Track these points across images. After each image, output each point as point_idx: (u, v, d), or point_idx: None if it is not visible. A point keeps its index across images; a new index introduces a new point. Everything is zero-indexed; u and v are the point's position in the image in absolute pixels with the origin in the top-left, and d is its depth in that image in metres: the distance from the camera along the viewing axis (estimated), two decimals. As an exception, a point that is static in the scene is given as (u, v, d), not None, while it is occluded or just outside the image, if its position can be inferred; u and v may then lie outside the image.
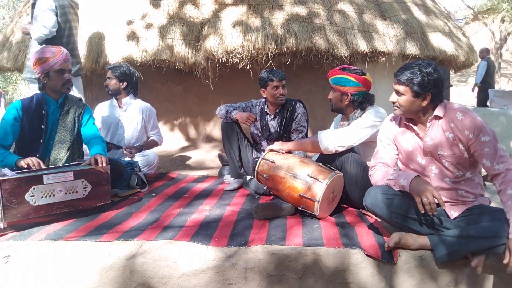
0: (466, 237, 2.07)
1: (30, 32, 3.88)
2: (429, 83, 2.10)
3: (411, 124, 2.29)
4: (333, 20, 4.94)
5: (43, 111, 3.00)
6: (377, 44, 4.91)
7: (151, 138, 4.11)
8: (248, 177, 3.48)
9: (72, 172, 2.60)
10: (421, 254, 2.18)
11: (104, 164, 2.74)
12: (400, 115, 2.30)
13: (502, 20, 19.80)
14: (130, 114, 3.94)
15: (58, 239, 2.25)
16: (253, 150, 3.72)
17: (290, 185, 2.70)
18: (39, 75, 2.98)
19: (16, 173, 2.48)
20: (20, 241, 2.24)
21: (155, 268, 2.07)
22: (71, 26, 4.01)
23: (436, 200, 2.01)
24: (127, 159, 3.64)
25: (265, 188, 3.04)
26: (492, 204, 2.33)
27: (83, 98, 3.76)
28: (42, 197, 2.47)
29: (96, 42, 4.99)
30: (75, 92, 3.92)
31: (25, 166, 2.63)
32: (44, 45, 3.60)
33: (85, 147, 3.27)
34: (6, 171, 2.49)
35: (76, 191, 2.63)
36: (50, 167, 2.78)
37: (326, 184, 2.56)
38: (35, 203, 2.44)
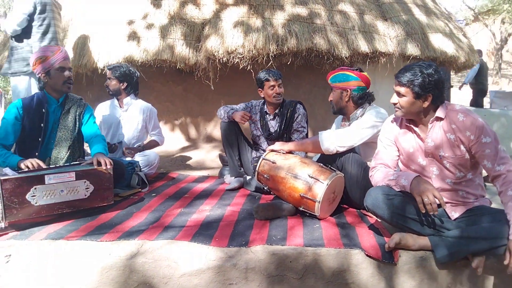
0: (466, 238, 2.08)
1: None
2: (430, 84, 2.10)
3: (412, 126, 2.29)
4: (334, 20, 4.94)
5: (43, 110, 3.00)
6: (378, 45, 4.91)
7: (152, 138, 4.11)
8: (248, 177, 3.50)
9: (74, 172, 2.60)
10: (422, 254, 2.19)
11: (108, 166, 2.73)
12: (401, 117, 2.30)
13: (503, 21, 19.81)
14: (131, 114, 3.94)
15: (59, 238, 2.25)
16: (253, 150, 3.75)
17: (290, 185, 2.70)
18: (40, 74, 2.98)
19: (17, 172, 2.49)
20: (21, 240, 2.25)
21: (155, 268, 2.08)
22: (49, 23, 4.02)
23: (437, 200, 2.01)
24: (128, 159, 3.65)
25: (265, 188, 3.05)
26: (493, 205, 2.33)
27: None
28: (44, 197, 2.47)
29: (97, 42, 4.99)
30: None
31: (25, 168, 2.63)
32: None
33: (86, 145, 3.27)
34: (8, 170, 2.49)
35: (78, 192, 2.62)
36: (51, 166, 2.78)
37: (327, 184, 2.56)
38: (36, 203, 2.44)
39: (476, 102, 9.65)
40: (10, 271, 2.09)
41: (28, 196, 2.41)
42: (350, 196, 2.84)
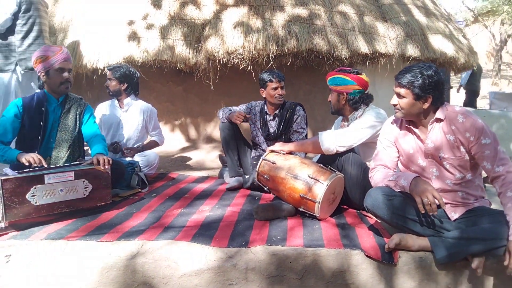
0: (466, 238, 2.08)
1: None
2: (430, 85, 2.11)
3: (412, 127, 2.29)
4: (334, 21, 4.95)
5: (43, 109, 3.00)
6: (378, 46, 4.92)
7: (152, 138, 4.11)
8: (247, 176, 3.51)
9: (73, 172, 2.61)
10: (421, 255, 2.19)
11: (106, 165, 2.74)
12: (401, 118, 2.31)
13: (502, 23, 19.82)
14: (131, 115, 3.94)
15: (59, 238, 2.25)
16: (252, 150, 3.77)
17: (290, 186, 2.70)
18: (40, 73, 2.99)
19: (17, 172, 2.49)
20: (21, 240, 2.25)
21: (156, 268, 2.08)
22: (34, 22, 3.96)
23: (436, 201, 2.02)
24: (128, 159, 3.65)
25: (265, 188, 3.05)
26: (492, 206, 2.33)
27: None
28: (43, 196, 2.47)
29: (97, 42, 4.99)
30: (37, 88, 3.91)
31: (26, 163, 2.63)
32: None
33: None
34: (8, 170, 2.50)
35: (77, 191, 2.63)
36: (51, 166, 2.78)
37: (327, 185, 2.56)
38: (36, 202, 2.45)
39: (470, 103, 9.69)
40: (10, 271, 2.08)
41: (28, 196, 2.41)
42: (350, 197, 2.85)
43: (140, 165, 3.58)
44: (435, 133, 2.20)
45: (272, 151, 3.00)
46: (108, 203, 2.81)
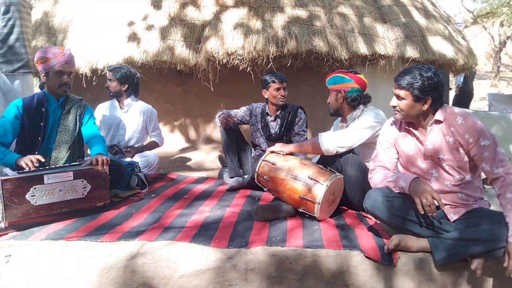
0: (465, 240, 2.08)
1: None
2: (430, 87, 2.11)
3: (411, 129, 2.30)
4: (334, 22, 4.96)
5: (43, 109, 3.00)
6: (377, 47, 4.93)
7: (152, 139, 4.11)
8: (246, 177, 3.53)
9: (71, 172, 2.62)
10: (421, 256, 2.19)
11: (104, 165, 2.75)
12: (400, 119, 2.31)
13: (502, 24, 19.84)
14: (131, 116, 3.94)
15: (58, 239, 2.25)
16: (252, 150, 3.79)
17: (290, 186, 2.70)
18: (40, 73, 2.99)
19: (17, 172, 2.49)
20: (21, 240, 2.25)
21: (155, 269, 2.08)
22: (14, 24, 3.88)
23: (435, 202, 2.02)
24: (127, 159, 3.65)
25: (265, 189, 3.06)
26: (492, 207, 2.34)
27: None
28: (43, 196, 2.48)
29: (97, 42, 5.00)
30: (19, 91, 3.84)
31: (26, 167, 2.62)
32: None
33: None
34: (8, 170, 2.50)
35: (76, 191, 2.64)
36: (51, 167, 2.78)
37: (327, 186, 2.57)
38: (35, 202, 2.45)
39: (464, 104, 9.68)
40: (10, 271, 2.08)
41: (28, 196, 2.42)
42: (350, 198, 2.85)
43: (140, 166, 3.58)
44: (435, 135, 2.20)
45: (272, 152, 3.01)
46: (106, 203, 2.81)
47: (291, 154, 3.00)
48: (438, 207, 2.06)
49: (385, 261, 2.14)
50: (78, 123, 3.13)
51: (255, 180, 3.05)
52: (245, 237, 2.33)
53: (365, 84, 3.01)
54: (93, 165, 2.74)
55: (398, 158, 2.42)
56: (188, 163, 4.80)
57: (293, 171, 2.74)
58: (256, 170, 2.97)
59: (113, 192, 3.15)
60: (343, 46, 4.78)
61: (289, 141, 3.60)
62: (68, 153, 3.05)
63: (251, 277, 2.09)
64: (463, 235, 2.10)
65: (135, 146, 3.89)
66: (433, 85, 2.11)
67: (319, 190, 2.57)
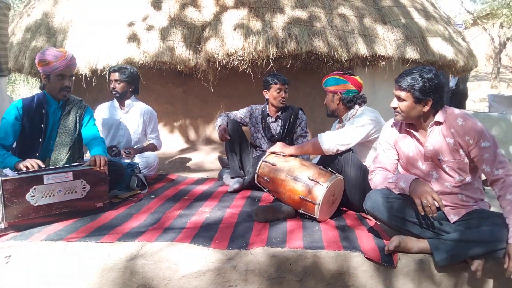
0: (465, 241, 2.08)
1: None
2: (430, 89, 2.11)
3: (411, 130, 2.30)
4: (334, 23, 4.96)
5: (43, 111, 3.00)
6: (377, 48, 4.92)
7: (151, 142, 4.10)
8: (246, 177, 3.53)
9: (71, 172, 2.61)
10: (421, 257, 2.20)
11: (103, 165, 2.74)
12: (401, 121, 2.31)
13: (501, 26, 19.85)
14: (132, 116, 3.94)
15: (58, 239, 2.25)
16: (253, 150, 3.82)
17: (290, 187, 2.70)
18: (42, 75, 2.98)
19: (17, 173, 2.49)
20: (21, 241, 2.25)
21: (155, 270, 2.08)
22: None
23: (436, 203, 2.02)
24: (127, 160, 3.64)
25: (265, 190, 3.06)
26: (492, 209, 2.34)
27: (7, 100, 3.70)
28: (42, 197, 2.48)
29: (97, 43, 4.99)
30: None
31: (24, 170, 2.61)
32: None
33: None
34: (7, 171, 2.49)
35: (75, 191, 2.64)
36: (50, 167, 2.78)
37: (327, 187, 2.57)
38: (35, 203, 2.45)
39: (459, 106, 9.67)
40: (10, 271, 2.08)
41: (27, 196, 2.42)
42: (349, 198, 2.85)
43: (140, 167, 3.58)
44: (435, 136, 2.20)
45: (272, 153, 3.01)
46: (106, 203, 2.81)
47: (291, 155, 3.00)
48: (438, 208, 2.06)
49: (385, 262, 2.14)
50: (78, 124, 3.13)
51: (255, 181, 3.05)
52: (245, 238, 2.33)
53: (361, 86, 3.08)
54: (92, 166, 2.74)
55: (398, 160, 2.42)
56: (188, 164, 4.80)
57: (293, 172, 2.74)
58: (256, 171, 2.97)
59: (113, 193, 3.15)
60: (343, 47, 4.78)
61: (291, 143, 3.62)
62: (68, 154, 3.04)
63: (251, 278, 2.08)
64: (463, 236, 2.10)
65: (135, 147, 3.89)
66: (434, 86, 2.11)
67: (319, 191, 2.57)
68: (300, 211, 2.69)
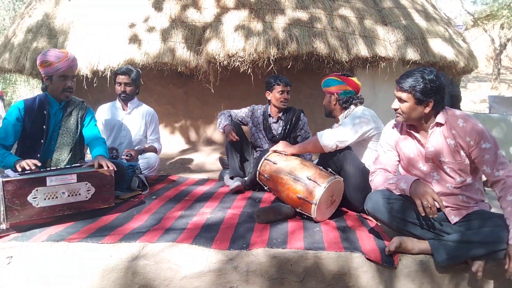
0: (466, 242, 2.09)
1: None
2: (432, 90, 2.12)
3: (412, 131, 2.30)
4: (334, 25, 4.96)
5: (45, 112, 3.00)
6: (378, 50, 4.93)
7: (151, 144, 4.09)
8: (246, 178, 3.55)
9: (75, 174, 2.59)
10: (422, 258, 2.20)
11: (110, 166, 2.73)
12: (402, 122, 2.31)
13: (502, 27, 19.85)
14: (134, 118, 3.95)
15: (60, 240, 2.25)
16: (253, 152, 3.83)
17: (289, 186, 2.72)
18: (43, 76, 2.99)
19: (19, 174, 2.49)
20: (22, 242, 2.25)
21: (157, 270, 2.08)
22: None
23: (436, 204, 2.02)
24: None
25: (265, 188, 3.07)
26: (492, 210, 2.34)
27: None
28: (45, 199, 2.47)
29: (98, 44, 5.00)
30: None
31: (20, 170, 2.61)
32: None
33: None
34: (9, 172, 2.49)
35: (79, 194, 2.62)
36: (52, 168, 2.78)
37: (325, 187, 2.58)
38: (37, 204, 2.44)
39: (450, 106, 9.66)
40: (11, 272, 2.09)
41: (29, 198, 2.41)
42: (348, 196, 2.87)
43: (141, 167, 3.59)
44: (436, 138, 2.21)
45: (275, 151, 3.03)
46: (110, 206, 2.80)
47: (292, 154, 3.03)
48: (439, 209, 2.07)
49: (386, 263, 2.14)
50: (79, 125, 3.13)
51: (257, 178, 3.06)
52: (246, 239, 2.33)
53: (358, 87, 3.14)
54: (96, 168, 2.72)
55: (399, 161, 2.42)
56: (188, 165, 4.80)
57: (293, 172, 2.76)
58: (258, 168, 2.99)
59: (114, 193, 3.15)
60: (344, 48, 4.78)
61: (293, 144, 3.63)
62: (70, 155, 3.05)
63: (252, 279, 2.09)
64: (464, 237, 2.10)
65: (136, 148, 3.89)
66: (435, 87, 2.12)
67: (317, 191, 2.59)
68: (298, 210, 2.70)
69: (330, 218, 2.75)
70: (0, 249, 2.18)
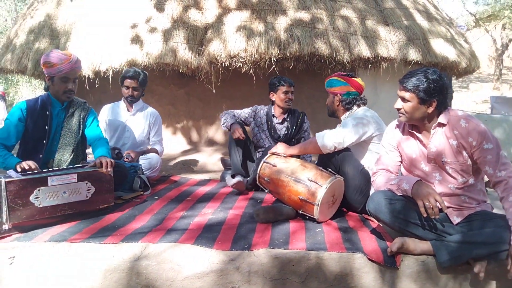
0: (468, 242, 2.08)
1: None
2: (435, 90, 2.11)
3: (414, 132, 2.30)
4: (336, 25, 4.96)
5: (47, 112, 3.01)
6: (380, 50, 4.93)
7: (153, 146, 4.09)
8: (248, 178, 3.54)
9: (76, 174, 2.62)
10: (424, 259, 2.19)
11: (109, 167, 2.75)
12: (405, 122, 2.31)
13: (504, 27, 19.83)
14: (138, 119, 3.96)
15: (62, 240, 2.26)
16: (256, 152, 3.83)
17: (290, 188, 2.71)
18: (46, 76, 2.99)
19: (21, 174, 2.50)
20: (25, 242, 2.26)
21: (159, 271, 2.08)
22: None
23: (438, 204, 2.02)
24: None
25: (266, 191, 3.07)
26: (494, 210, 2.34)
27: None
28: (47, 198, 2.48)
29: (100, 45, 5.01)
30: None
31: (20, 170, 2.61)
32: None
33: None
34: (11, 172, 2.50)
35: (80, 193, 2.64)
36: (54, 169, 2.79)
37: (326, 188, 2.58)
38: (39, 204, 2.46)
39: None
40: (13, 272, 2.09)
41: (31, 198, 2.42)
42: (348, 197, 2.87)
43: (143, 168, 3.59)
44: (438, 138, 2.20)
45: (273, 153, 3.02)
46: (110, 206, 2.81)
47: (291, 156, 3.02)
48: (441, 210, 2.06)
49: (388, 263, 2.14)
50: (81, 125, 3.14)
51: (257, 182, 3.06)
52: (248, 239, 2.33)
53: (362, 88, 3.12)
54: (97, 168, 2.74)
55: (401, 161, 2.42)
56: (190, 166, 4.80)
57: (293, 173, 2.75)
58: (258, 172, 2.98)
59: (116, 194, 3.15)
60: (346, 48, 4.79)
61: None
62: (72, 155, 3.06)
63: (254, 280, 2.09)
64: (466, 238, 2.10)
65: (137, 150, 3.88)
66: (439, 87, 2.12)
67: (319, 192, 2.58)
68: (300, 211, 2.70)
69: (332, 219, 2.75)
70: (3, 249, 2.19)
